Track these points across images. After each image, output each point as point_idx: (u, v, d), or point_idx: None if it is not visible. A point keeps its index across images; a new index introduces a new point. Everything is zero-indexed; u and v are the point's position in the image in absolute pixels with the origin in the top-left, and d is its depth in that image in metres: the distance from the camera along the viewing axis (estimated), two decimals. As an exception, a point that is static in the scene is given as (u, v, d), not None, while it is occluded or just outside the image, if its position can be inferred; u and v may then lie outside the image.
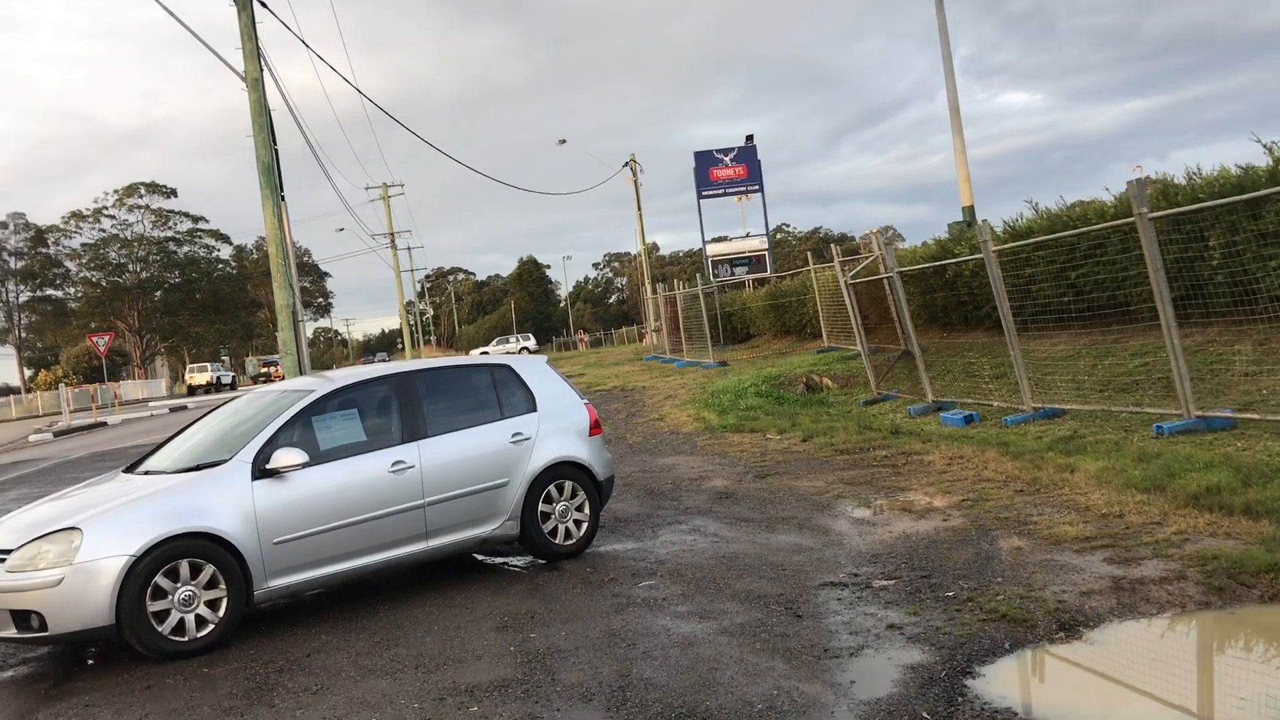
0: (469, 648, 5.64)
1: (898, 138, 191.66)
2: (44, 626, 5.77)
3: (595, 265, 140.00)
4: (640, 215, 48.82)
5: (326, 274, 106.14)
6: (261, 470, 6.42)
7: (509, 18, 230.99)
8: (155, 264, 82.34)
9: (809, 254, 24.02)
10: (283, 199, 18.01)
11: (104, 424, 34.62)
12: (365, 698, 5.03)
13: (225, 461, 6.49)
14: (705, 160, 37.27)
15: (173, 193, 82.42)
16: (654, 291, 34.26)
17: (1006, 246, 12.33)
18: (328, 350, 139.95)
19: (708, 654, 5.13)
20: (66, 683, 5.84)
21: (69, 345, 79.56)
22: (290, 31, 41.79)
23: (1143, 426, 9.27)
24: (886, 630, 5.23)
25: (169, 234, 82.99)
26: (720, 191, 37.64)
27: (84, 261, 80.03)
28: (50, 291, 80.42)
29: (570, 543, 7.58)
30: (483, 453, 7.30)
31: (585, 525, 7.69)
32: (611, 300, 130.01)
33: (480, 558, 8.01)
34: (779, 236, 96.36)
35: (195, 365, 68.74)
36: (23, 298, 78.99)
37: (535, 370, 8.00)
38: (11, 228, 77.60)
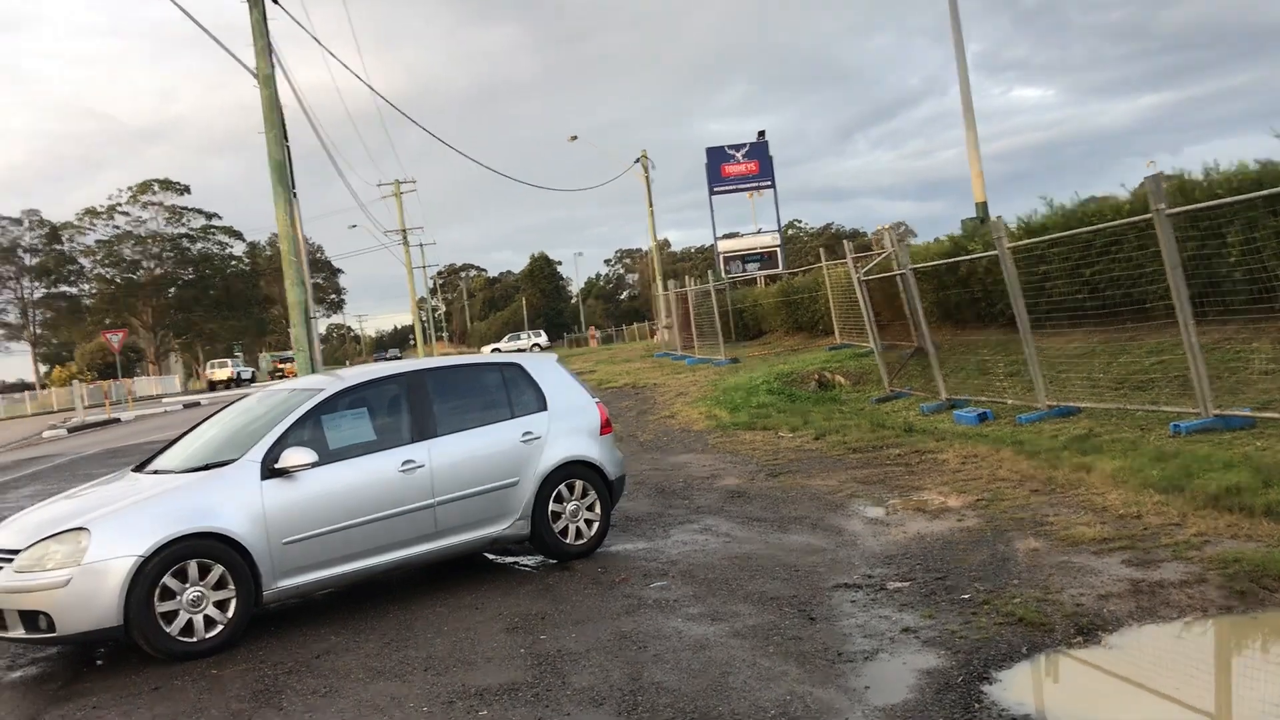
0: (479, 649, 5.60)
1: (910, 133, 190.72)
2: (52, 627, 5.74)
3: (606, 262, 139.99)
4: (651, 211, 48.75)
5: (339, 270, 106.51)
6: (271, 470, 6.38)
7: (519, 14, 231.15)
8: (169, 261, 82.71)
9: (821, 250, 23.88)
10: (295, 196, 18.04)
11: (118, 420, 34.73)
12: (374, 700, 4.98)
13: (234, 461, 6.46)
14: (717, 156, 37.11)
15: (186, 189, 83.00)
16: (665, 288, 34.13)
17: (1021, 243, 12.22)
18: (340, 346, 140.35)
19: (720, 657, 5.07)
20: (75, 683, 5.82)
21: (83, 341, 80.00)
22: (301, 28, 41.85)
23: (1159, 425, 9.16)
24: (901, 634, 5.16)
25: (182, 231, 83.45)
26: (732, 188, 37.54)
27: (98, 258, 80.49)
28: (65, 288, 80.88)
29: (581, 542, 7.53)
30: (493, 452, 7.26)
31: (596, 525, 7.63)
32: (623, 296, 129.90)
33: (490, 557, 7.96)
34: (791, 233, 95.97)
35: (216, 361, 69.39)
36: (37, 294, 79.44)
37: (545, 369, 7.95)
38: (26, 224, 78.07)
